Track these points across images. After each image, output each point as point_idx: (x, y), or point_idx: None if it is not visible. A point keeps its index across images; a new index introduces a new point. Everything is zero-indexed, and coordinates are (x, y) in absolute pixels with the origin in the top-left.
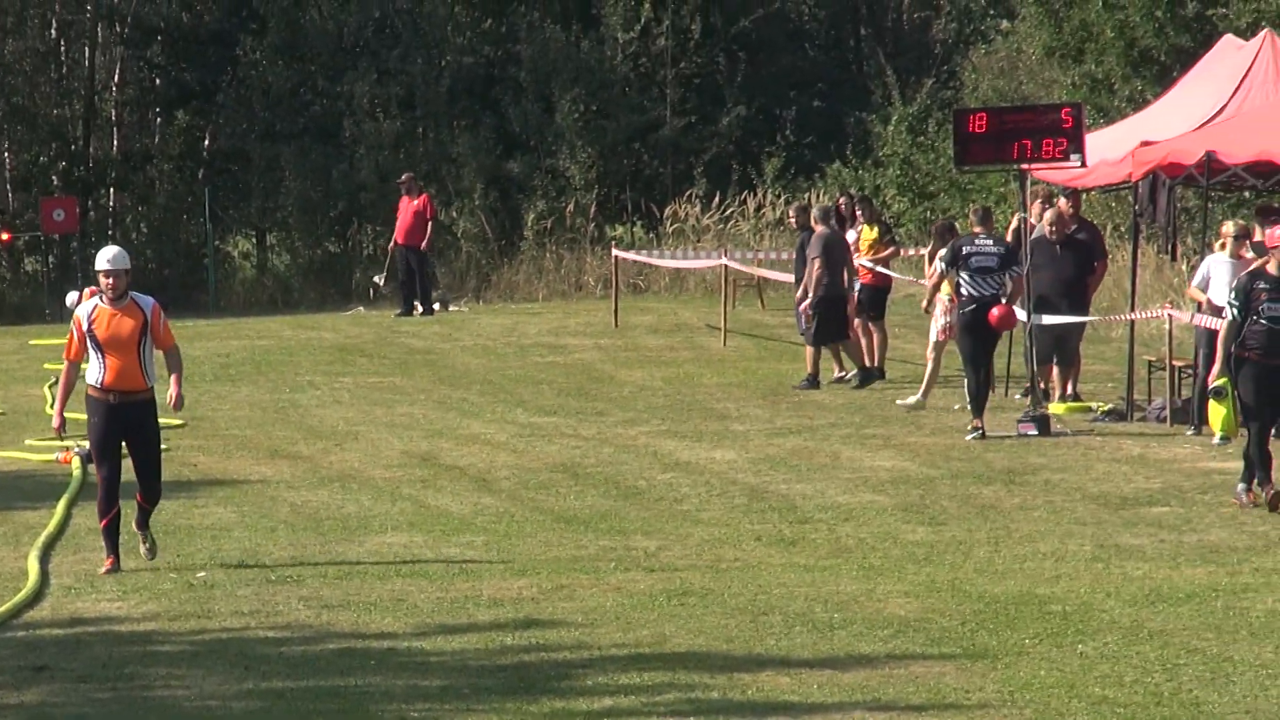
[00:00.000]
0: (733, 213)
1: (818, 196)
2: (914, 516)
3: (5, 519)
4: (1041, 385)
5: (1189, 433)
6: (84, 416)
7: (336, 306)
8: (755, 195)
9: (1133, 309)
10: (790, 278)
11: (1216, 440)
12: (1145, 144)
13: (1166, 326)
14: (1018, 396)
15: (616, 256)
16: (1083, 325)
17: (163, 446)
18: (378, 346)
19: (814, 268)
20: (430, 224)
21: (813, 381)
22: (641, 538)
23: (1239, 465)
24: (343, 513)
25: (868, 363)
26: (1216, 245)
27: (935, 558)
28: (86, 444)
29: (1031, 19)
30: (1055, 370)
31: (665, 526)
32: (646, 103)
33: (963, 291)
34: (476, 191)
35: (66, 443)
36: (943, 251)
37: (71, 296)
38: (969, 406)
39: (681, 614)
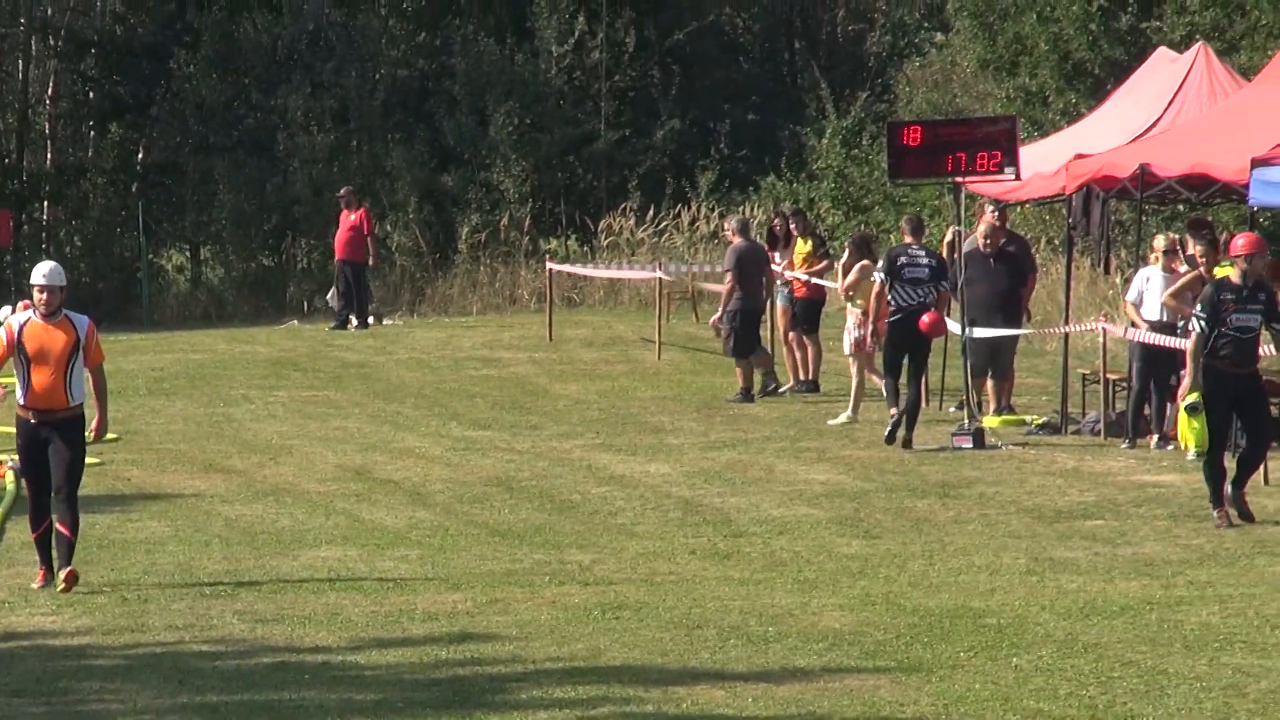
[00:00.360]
0: (667, 226)
1: (752, 210)
2: (849, 530)
3: None
4: (976, 398)
5: (1123, 446)
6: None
7: (271, 320)
8: (690, 208)
9: (1067, 322)
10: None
11: (1191, 456)
12: (1079, 157)
13: (1101, 340)
14: (952, 410)
15: (551, 270)
16: (1017, 338)
17: (96, 461)
18: (312, 360)
19: (726, 281)
20: (369, 239)
21: (746, 395)
22: (576, 551)
23: (1172, 479)
24: (277, 527)
25: (802, 376)
26: (1150, 258)
27: (870, 571)
28: None
29: (965, 32)
30: (990, 383)
31: (600, 540)
32: (581, 116)
33: (893, 301)
34: (411, 205)
35: (0, 456)
36: (880, 263)
37: (4, 311)
38: (888, 403)
39: (616, 627)
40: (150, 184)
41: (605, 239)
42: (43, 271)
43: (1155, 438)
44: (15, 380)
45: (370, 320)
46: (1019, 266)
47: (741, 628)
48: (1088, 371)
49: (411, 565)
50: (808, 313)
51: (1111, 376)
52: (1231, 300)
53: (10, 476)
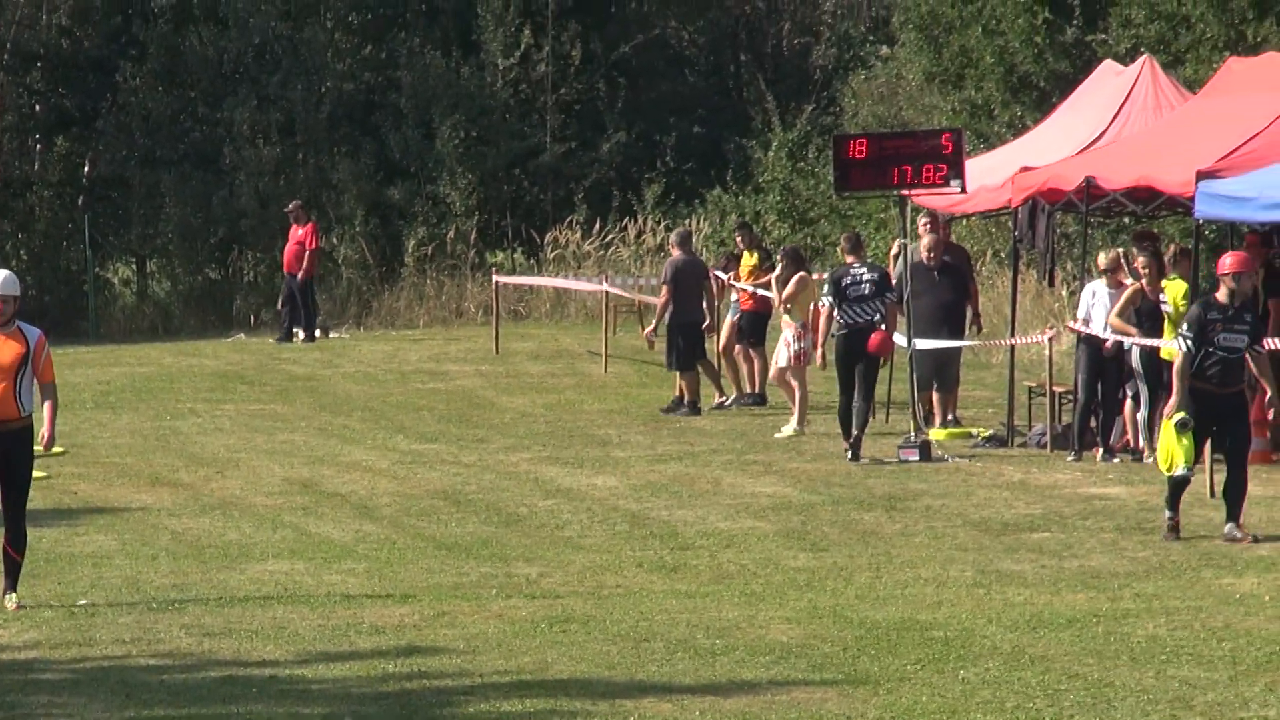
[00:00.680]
0: (613, 239)
1: (698, 222)
2: (795, 542)
3: None
4: (922, 411)
5: (1069, 458)
6: None
7: (217, 333)
8: (636, 221)
9: (1013, 334)
10: None
11: (1180, 472)
12: (1025, 169)
13: (1046, 352)
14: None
15: (497, 282)
16: (961, 349)
17: (43, 474)
18: (259, 373)
19: (661, 294)
20: (309, 254)
21: (693, 407)
22: (523, 564)
23: (1118, 491)
24: (224, 540)
25: (747, 388)
26: (1096, 272)
27: (817, 584)
28: None
29: (911, 45)
30: (935, 395)
31: (547, 553)
32: (527, 129)
33: (840, 319)
34: (357, 218)
35: None
36: (825, 287)
37: None
38: (841, 430)
39: (563, 641)
40: (96, 197)
41: (551, 252)
42: None
43: (1101, 450)
44: None
45: (316, 333)
46: (962, 278)
47: (689, 641)
48: (1034, 384)
49: (359, 579)
50: (753, 325)
51: (1058, 389)
52: (1219, 320)
53: None
